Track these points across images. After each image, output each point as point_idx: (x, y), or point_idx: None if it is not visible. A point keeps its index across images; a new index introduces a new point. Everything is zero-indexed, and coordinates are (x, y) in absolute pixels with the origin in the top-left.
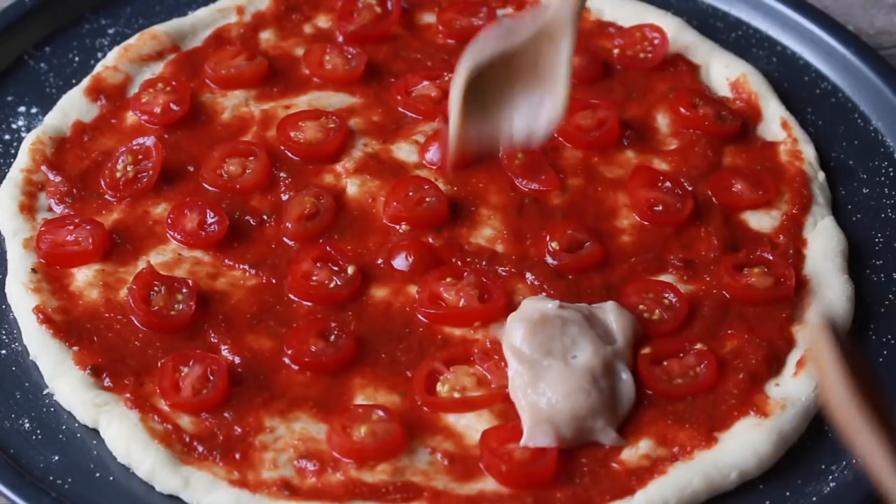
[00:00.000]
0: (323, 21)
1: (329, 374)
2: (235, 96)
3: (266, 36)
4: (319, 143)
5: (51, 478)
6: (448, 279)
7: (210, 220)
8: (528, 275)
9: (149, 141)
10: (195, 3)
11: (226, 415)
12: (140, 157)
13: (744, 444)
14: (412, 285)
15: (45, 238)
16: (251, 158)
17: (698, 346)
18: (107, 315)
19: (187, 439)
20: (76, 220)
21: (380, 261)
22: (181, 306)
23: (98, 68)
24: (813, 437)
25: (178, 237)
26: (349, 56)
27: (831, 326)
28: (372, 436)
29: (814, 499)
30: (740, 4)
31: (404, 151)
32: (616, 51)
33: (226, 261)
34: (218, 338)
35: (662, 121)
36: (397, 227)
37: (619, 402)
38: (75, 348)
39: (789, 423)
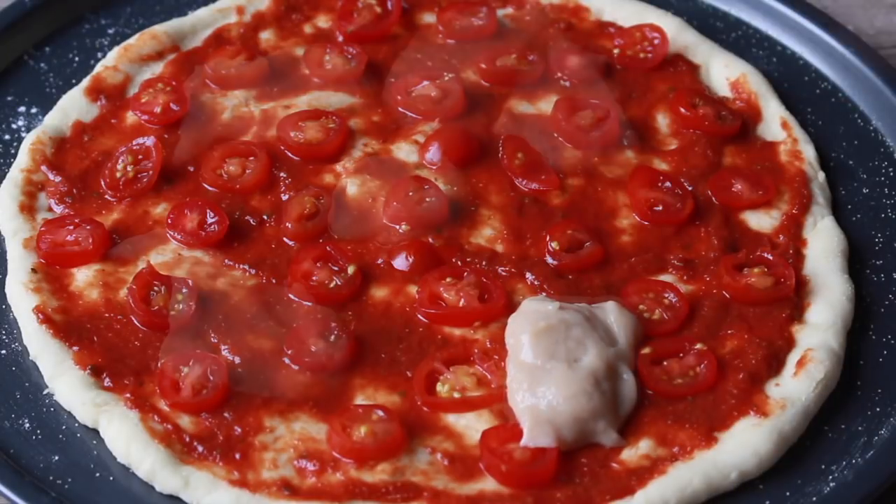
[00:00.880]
0: (323, 21)
1: (329, 374)
2: (235, 96)
3: (266, 36)
4: (319, 143)
5: (51, 478)
6: (448, 279)
7: (210, 220)
8: (528, 275)
9: (149, 141)
10: (195, 3)
11: (226, 415)
12: (140, 156)
13: (744, 444)
14: (412, 285)
15: (45, 238)
16: (251, 158)
17: (698, 346)
18: (107, 315)
19: (187, 439)
20: (76, 220)
21: (380, 261)
22: (181, 306)
23: (98, 68)
24: (813, 437)
25: (178, 237)
26: (349, 56)
27: None
28: (372, 436)
29: (814, 499)
30: (740, 4)
31: (404, 151)
32: (616, 51)
33: (226, 261)
34: (218, 338)
35: (662, 121)
36: (397, 227)
37: (620, 404)
38: (75, 348)
39: (789, 423)
